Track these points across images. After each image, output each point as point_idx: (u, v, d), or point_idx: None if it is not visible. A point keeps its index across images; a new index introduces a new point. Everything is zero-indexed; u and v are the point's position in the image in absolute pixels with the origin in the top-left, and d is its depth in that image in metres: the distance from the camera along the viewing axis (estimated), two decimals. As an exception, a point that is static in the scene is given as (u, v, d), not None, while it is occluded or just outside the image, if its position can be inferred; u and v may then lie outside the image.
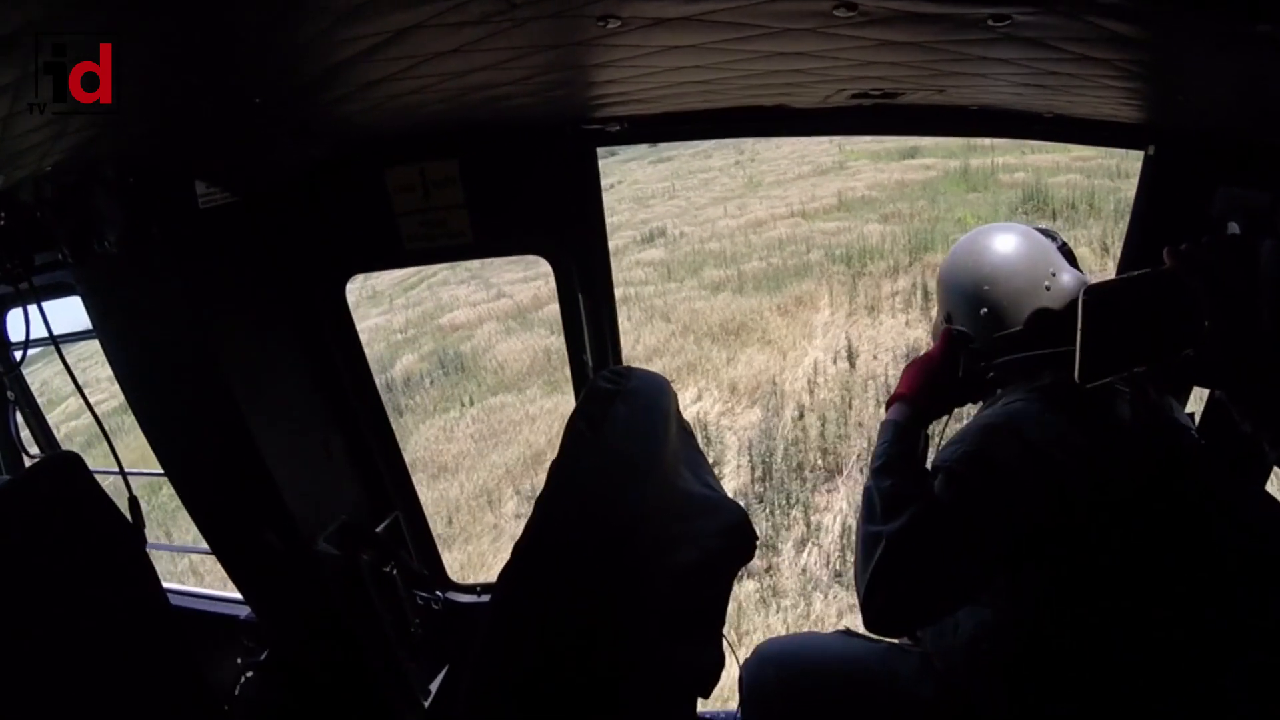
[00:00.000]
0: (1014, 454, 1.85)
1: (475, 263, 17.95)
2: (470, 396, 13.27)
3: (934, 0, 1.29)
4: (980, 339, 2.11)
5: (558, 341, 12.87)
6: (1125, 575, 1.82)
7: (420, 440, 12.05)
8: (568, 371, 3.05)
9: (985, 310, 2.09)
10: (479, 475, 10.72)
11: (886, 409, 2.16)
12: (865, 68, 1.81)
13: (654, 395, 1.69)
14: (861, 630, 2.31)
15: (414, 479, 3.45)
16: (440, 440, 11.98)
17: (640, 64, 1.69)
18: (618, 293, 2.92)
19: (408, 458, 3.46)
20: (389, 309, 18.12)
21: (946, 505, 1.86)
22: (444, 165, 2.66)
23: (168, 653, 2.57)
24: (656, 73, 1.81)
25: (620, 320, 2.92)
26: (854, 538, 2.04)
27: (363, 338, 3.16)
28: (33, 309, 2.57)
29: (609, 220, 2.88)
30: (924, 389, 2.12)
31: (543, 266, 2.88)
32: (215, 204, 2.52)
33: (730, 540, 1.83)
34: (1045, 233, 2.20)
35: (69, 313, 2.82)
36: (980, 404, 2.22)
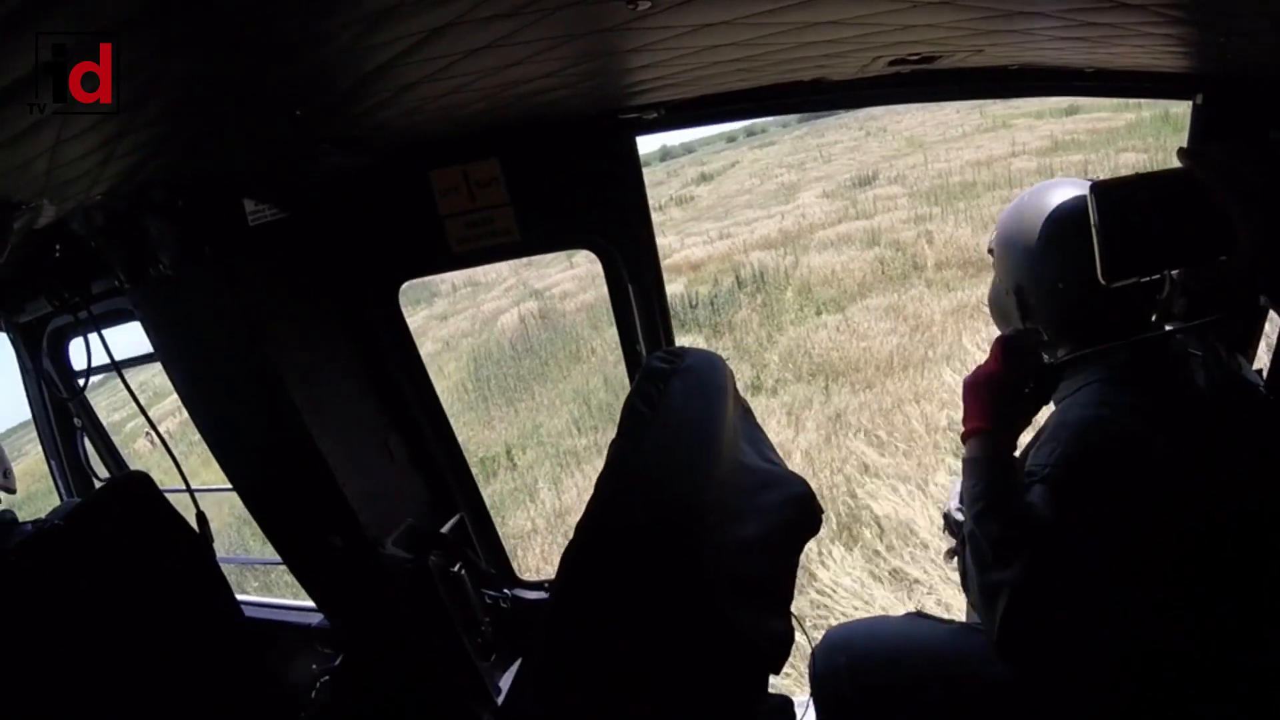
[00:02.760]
0: (1114, 444, 1.74)
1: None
2: (819, 306, 14.19)
3: None
4: (1057, 315, 1.95)
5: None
6: (1207, 546, 1.73)
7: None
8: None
9: (1063, 285, 1.89)
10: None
11: (964, 442, 1.96)
12: (902, 32, 1.78)
13: (710, 372, 1.68)
14: (929, 611, 2.25)
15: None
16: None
17: (673, 45, 1.68)
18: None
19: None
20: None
21: (1060, 523, 1.72)
22: (486, 165, 2.67)
23: (243, 662, 2.63)
24: (690, 54, 1.79)
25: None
26: (968, 580, 1.90)
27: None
28: (94, 337, 2.65)
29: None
30: (997, 414, 1.91)
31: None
32: (264, 220, 2.57)
33: (794, 513, 1.80)
34: None
35: (127, 337, 2.90)
36: None
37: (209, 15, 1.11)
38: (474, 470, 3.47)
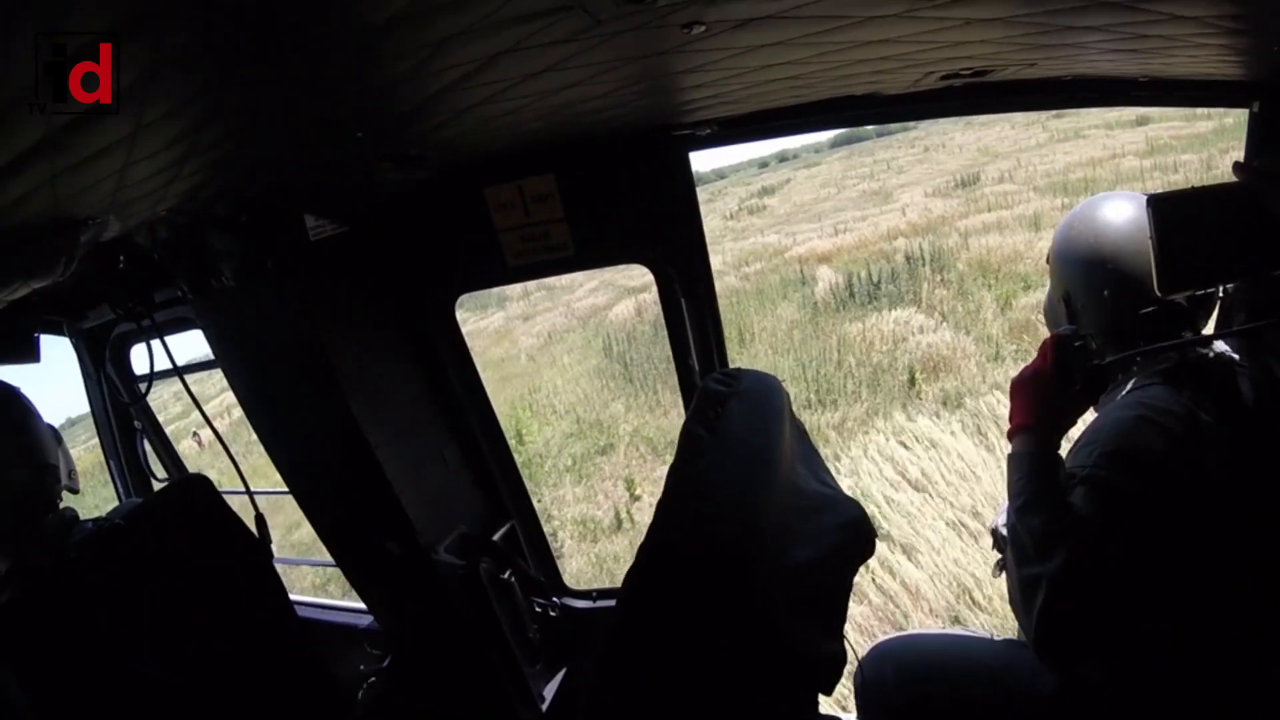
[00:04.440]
0: (1154, 443, 1.74)
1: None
2: (1025, 281, 14.51)
3: None
4: (1106, 323, 1.97)
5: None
6: (1255, 559, 1.71)
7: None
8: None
9: (1108, 293, 1.94)
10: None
11: (1009, 439, 2.00)
12: (954, 48, 1.78)
13: (766, 395, 1.69)
14: (974, 626, 2.24)
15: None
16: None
17: (727, 66, 1.70)
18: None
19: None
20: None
21: (1098, 522, 1.73)
22: (542, 181, 2.70)
23: (295, 660, 2.68)
24: (744, 73, 1.81)
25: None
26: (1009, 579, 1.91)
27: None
28: (155, 343, 2.72)
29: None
30: (1043, 412, 1.95)
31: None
32: (325, 234, 2.64)
33: (849, 535, 1.81)
34: None
35: (186, 345, 2.98)
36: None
37: (268, 44, 1.15)
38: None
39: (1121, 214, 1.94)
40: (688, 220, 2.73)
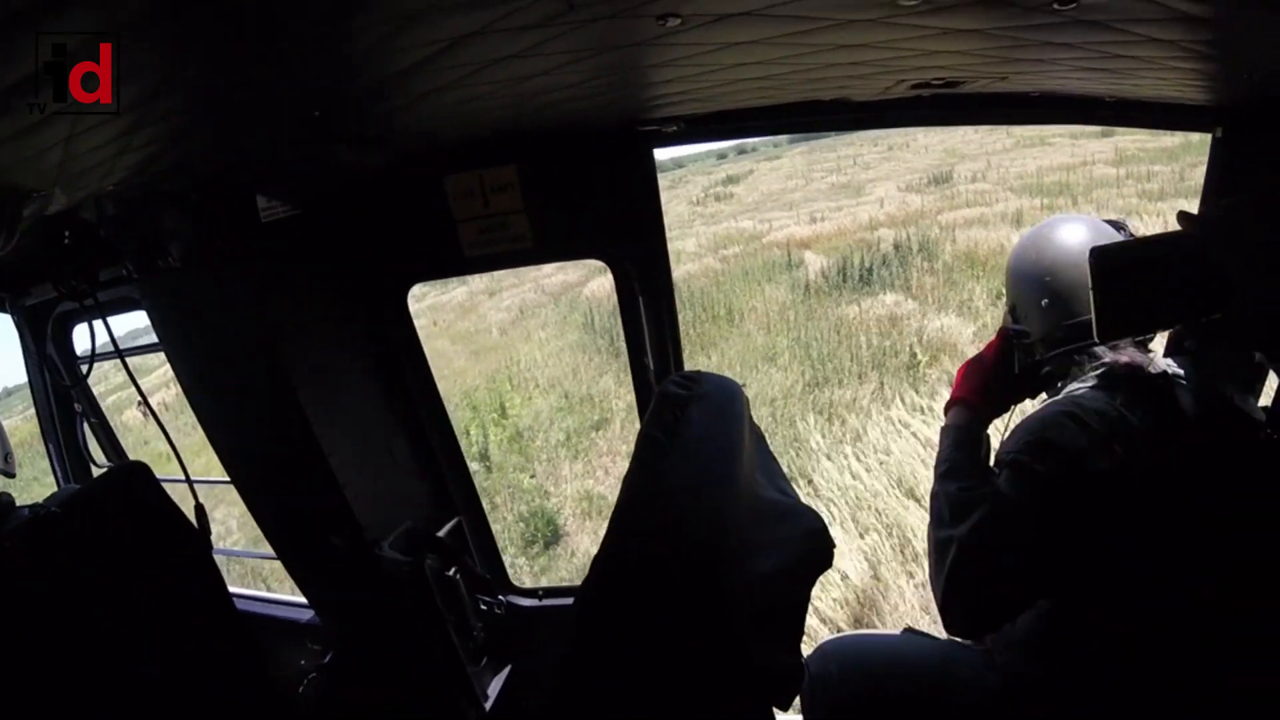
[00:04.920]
0: (1075, 436, 1.85)
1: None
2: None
3: None
4: (1043, 330, 2.11)
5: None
6: (1183, 563, 1.80)
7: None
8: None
9: (1046, 301, 2.09)
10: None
11: (945, 413, 2.19)
12: (927, 57, 1.78)
13: (727, 399, 1.65)
14: (923, 629, 2.32)
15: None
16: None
17: (699, 62, 1.68)
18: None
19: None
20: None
21: (1015, 499, 1.85)
22: (502, 171, 2.66)
23: (234, 654, 2.62)
24: (715, 70, 1.79)
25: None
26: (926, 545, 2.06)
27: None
28: (98, 324, 2.64)
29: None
30: (980, 390, 2.17)
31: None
32: (277, 216, 2.56)
33: (809, 546, 1.80)
34: (1113, 224, 2.17)
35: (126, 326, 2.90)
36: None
37: (225, 14, 1.10)
38: None
39: (1068, 236, 2.11)
40: (649, 217, 2.72)
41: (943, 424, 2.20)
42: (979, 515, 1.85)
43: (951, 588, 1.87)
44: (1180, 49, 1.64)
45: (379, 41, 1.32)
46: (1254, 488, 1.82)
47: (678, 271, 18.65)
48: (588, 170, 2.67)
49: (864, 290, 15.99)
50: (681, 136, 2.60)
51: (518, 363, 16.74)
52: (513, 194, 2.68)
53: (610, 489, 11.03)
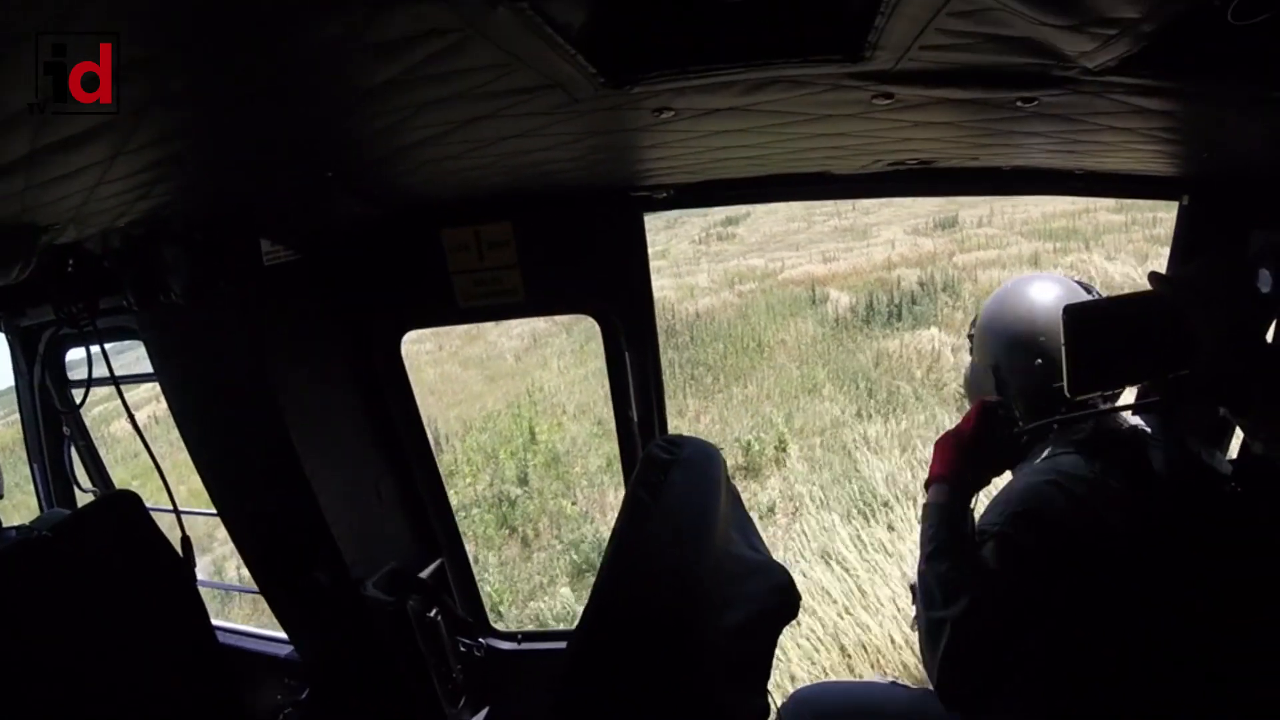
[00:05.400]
0: (1062, 507, 1.84)
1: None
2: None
3: (965, 88, 1.36)
4: (1029, 390, 2.07)
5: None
6: (1157, 617, 1.80)
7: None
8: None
9: (1040, 361, 2.03)
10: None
11: (925, 490, 2.10)
12: (902, 143, 1.89)
13: (707, 464, 1.76)
14: (893, 677, 2.33)
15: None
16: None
17: (689, 145, 1.78)
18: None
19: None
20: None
21: (1004, 574, 1.83)
22: (499, 227, 2.75)
23: (211, 688, 2.62)
24: (704, 151, 1.90)
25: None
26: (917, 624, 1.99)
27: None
28: (95, 350, 2.65)
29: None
30: (960, 466, 2.05)
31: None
32: (279, 260, 2.63)
33: (777, 599, 1.88)
34: (1082, 285, 2.17)
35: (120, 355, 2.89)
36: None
37: (270, 89, 1.19)
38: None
39: (1049, 294, 2.07)
40: (638, 276, 2.80)
41: (924, 501, 2.09)
42: (971, 595, 1.82)
43: (948, 669, 1.83)
44: (1140, 135, 1.74)
45: (397, 122, 1.42)
46: (1223, 542, 1.82)
47: (696, 304, 19.00)
48: (580, 230, 2.75)
49: (897, 325, 16.20)
50: (671, 203, 2.69)
51: (540, 388, 16.65)
52: (508, 249, 2.76)
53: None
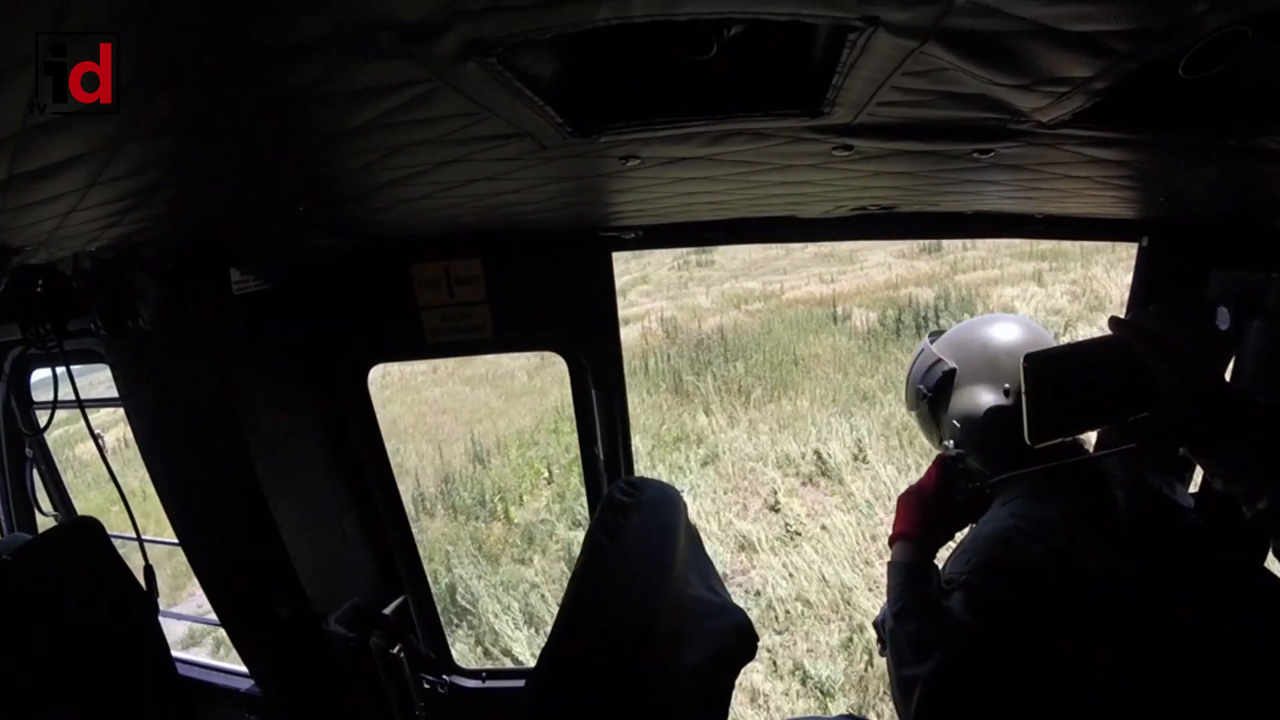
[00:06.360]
0: (1026, 553, 1.84)
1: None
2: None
3: (922, 140, 1.41)
4: (993, 438, 2.06)
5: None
6: (1121, 656, 1.79)
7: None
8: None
9: (999, 409, 2.04)
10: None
11: (890, 546, 2.10)
12: (864, 190, 1.95)
13: (666, 507, 1.78)
14: (863, 715, 2.32)
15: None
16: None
17: (656, 190, 1.83)
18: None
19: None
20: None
21: (975, 628, 1.82)
22: (468, 264, 2.78)
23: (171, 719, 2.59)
24: (670, 196, 1.95)
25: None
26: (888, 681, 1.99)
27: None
28: (61, 372, 2.63)
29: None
30: (923, 523, 2.06)
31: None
32: (249, 290, 2.64)
33: (735, 640, 1.90)
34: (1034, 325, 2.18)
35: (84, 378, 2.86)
36: None
37: (248, 126, 1.21)
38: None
39: (1012, 336, 2.08)
40: (605, 315, 2.84)
41: (889, 560, 2.08)
42: (942, 653, 1.81)
43: None
44: (1096, 181, 1.79)
45: (371, 162, 1.44)
46: (1191, 578, 1.82)
47: (705, 324, 19.08)
48: (549, 269, 2.78)
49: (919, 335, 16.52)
50: (640, 243, 2.74)
51: (563, 405, 16.55)
52: (477, 286, 2.79)
53: (750, 522, 11.17)
